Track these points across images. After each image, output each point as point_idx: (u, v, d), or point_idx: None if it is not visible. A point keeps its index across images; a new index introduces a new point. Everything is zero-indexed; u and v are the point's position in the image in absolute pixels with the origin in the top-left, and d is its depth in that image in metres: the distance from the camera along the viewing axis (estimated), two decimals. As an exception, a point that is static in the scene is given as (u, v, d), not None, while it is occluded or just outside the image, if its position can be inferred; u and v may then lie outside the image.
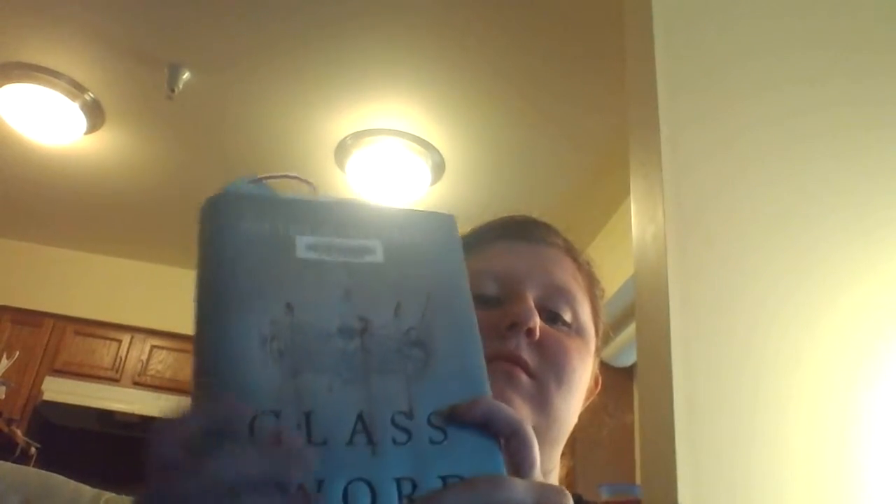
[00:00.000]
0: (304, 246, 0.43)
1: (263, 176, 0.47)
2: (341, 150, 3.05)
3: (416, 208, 0.49)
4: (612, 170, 2.85)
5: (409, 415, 0.39)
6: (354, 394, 0.39)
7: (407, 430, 0.38)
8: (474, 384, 0.41)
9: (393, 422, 0.38)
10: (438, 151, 3.00)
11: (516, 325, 0.58)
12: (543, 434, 0.59)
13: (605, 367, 0.70)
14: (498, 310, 0.60)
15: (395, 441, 0.38)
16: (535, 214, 0.73)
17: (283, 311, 0.40)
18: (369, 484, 0.36)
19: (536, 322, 0.59)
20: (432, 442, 0.38)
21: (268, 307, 0.40)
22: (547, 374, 0.59)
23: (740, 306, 1.17)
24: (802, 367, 1.14)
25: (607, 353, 3.17)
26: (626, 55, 1.53)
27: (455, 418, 0.39)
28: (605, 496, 2.39)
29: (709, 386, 1.11)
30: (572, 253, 0.69)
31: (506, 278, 0.62)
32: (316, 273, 0.42)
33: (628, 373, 3.16)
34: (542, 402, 0.59)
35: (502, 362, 0.57)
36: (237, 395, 0.36)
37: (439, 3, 2.31)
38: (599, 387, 0.70)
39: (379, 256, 0.44)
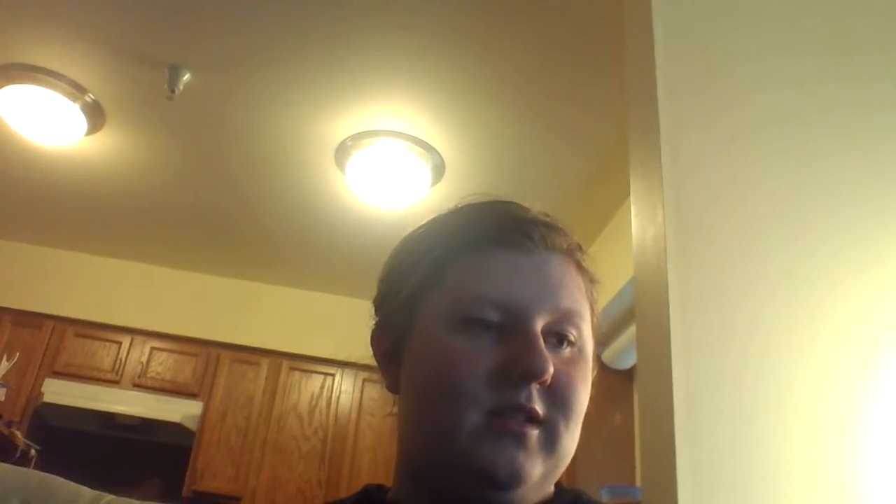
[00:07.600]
0: None
1: None
2: (341, 152, 3.05)
3: None
4: (612, 171, 2.85)
5: None
6: None
7: None
8: None
9: None
10: (439, 153, 3.00)
11: (530, 376, 0.55)
12: (552, 473, 0.58)
13: (605, 370, 0.68)
14: (503, 344, 0.57)
15: None
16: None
17: None
18: None
19: (551, 372, 0.55)
20: None
21: None
22: (556, 416, 0.56)
23: (740, 307, 1.17)
24: (802, 368, 1.14)
25: (607, 355, 3.17)
26: (626, 57, 1.52)
27: None
28: (605, 498, 2.38)
29: (709, 387, 1.11)
30: (574, 254, 0.64)
31: (510, 307, 0.57)
32: None
33: (628, 375, 3.15)
34: (552, 447, 0.56)
35: (512, 421, 0.55)
36: None
37: (439, 5, 2.31)
38: (596, 371, 0.67)
39: None
